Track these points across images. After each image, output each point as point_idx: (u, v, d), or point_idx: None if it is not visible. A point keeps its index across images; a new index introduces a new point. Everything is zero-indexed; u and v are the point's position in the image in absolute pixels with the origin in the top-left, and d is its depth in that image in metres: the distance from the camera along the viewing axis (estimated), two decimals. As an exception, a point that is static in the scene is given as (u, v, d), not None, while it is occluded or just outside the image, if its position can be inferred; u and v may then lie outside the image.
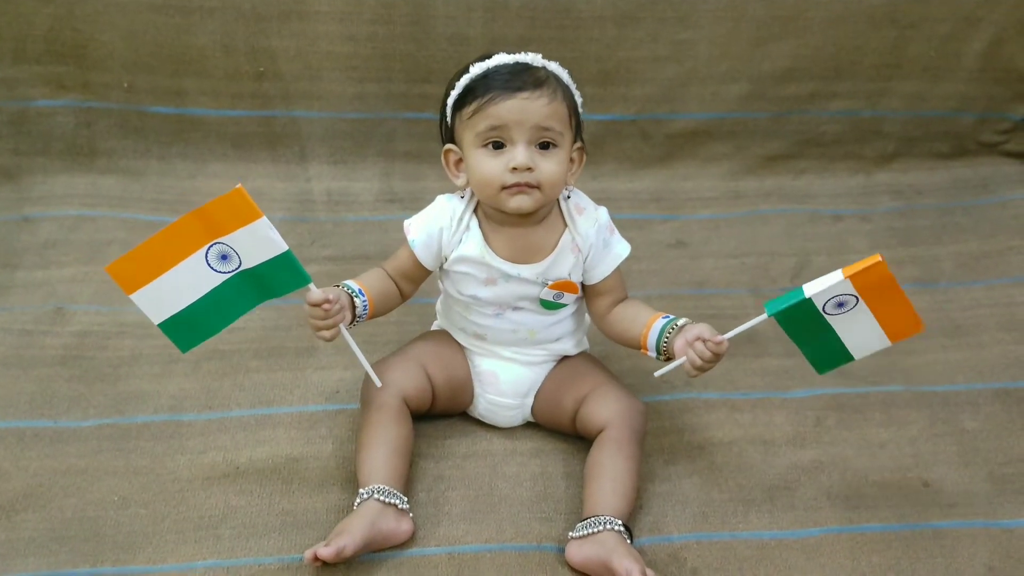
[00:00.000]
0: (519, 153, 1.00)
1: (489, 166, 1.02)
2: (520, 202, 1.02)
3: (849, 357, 1.03)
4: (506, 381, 1.14)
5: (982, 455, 1.18)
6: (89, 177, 1.62)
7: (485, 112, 1.00)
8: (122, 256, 0.94)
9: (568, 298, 1.11)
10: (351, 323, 1.05)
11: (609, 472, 1.04)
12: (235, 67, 1.60)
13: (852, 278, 0.95)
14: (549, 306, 1.11)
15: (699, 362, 1.00)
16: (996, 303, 1.47)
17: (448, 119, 1.08)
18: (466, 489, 1.09)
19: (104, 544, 1.01)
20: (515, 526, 1.05)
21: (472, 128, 1.02)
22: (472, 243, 1.08)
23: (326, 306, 0.99)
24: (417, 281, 1.14)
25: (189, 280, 0.96)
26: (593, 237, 1.09)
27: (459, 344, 1.17)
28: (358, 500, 1.00)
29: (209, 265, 0.96)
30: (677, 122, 1.70)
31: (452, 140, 1.08)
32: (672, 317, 1.06)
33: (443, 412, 1.18)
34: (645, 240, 1.59)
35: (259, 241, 0.95)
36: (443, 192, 1.65)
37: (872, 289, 0.96)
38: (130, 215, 1.57)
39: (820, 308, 0.98)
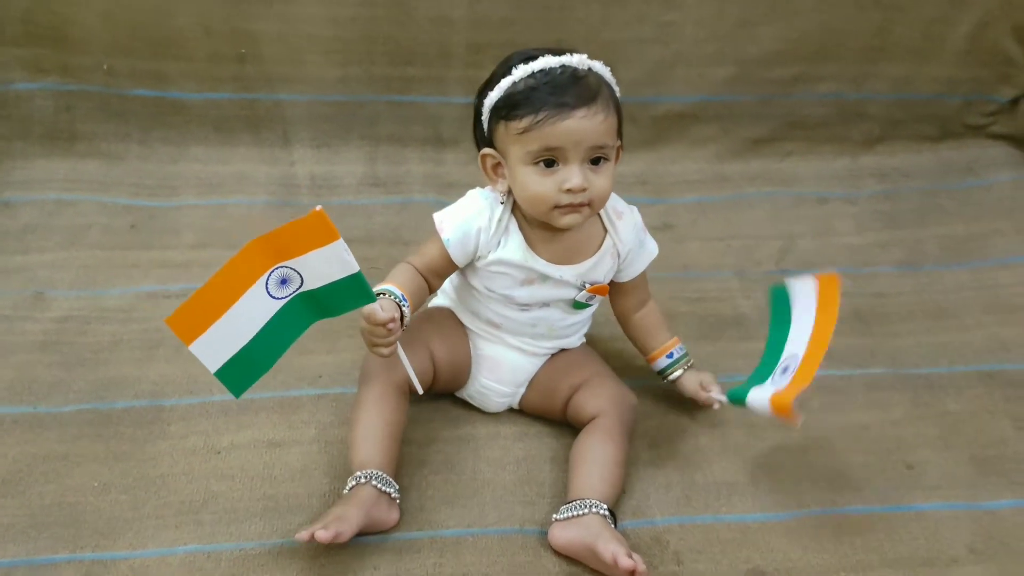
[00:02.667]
0: (574, 175, 0.97)
1: (542, 186, 0.98)
2: (572, 220, 1.00)
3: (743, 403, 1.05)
4: (507, 369, 1.14)
5: (964, 437, 1.18)
6: (69, 161, 1.60)
7: (540, 132, 0.95)
8: (183, 304, 0.87)
9: (598, 300, 1.11)
10: None
11: (598, 458, 1.04)
12: (216, 50, 1.58)
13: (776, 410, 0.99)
14: (580, 307, 1.11)
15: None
16: (980, 286, 1.48)
17: (485, 120, 1.02)
18: (449, 473, 1.09)
19: (83, 530, 1.00)
20: (498, 510, 1.04)
21: (523, 145, 0.97)
22: (513, 246, 1.05)
23: (391, 325, 0.95)
24: (445, 276, 1.11)
25: (248, 314, 0.89)
26: (633, 240, 1.09)
27: (463, 325, 1.16)
28: (352, 483, 0.99)
29: (268, 292, 0.89)
30: (663, 105, 1.69)
31: (488, 142, 1.03)
32: (672, 359, 1.16)
33: (440, 392, 1.17)
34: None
35: (329, 263, 0.89)
36: (426, 179, 1.66)
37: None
38: (111, 199, 1.56)
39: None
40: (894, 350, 1.33)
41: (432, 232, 1.07)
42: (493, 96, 1.00)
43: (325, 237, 0.88)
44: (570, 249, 1.07)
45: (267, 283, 0.89)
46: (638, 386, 1.19)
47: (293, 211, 1.57)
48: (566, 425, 1.14)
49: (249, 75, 1.61)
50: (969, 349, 1.33)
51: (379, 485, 0.99)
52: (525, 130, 0.96)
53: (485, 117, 1.02)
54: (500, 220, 1.05)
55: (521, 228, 1.06)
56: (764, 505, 1.06)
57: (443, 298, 1.19)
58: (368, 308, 0.95)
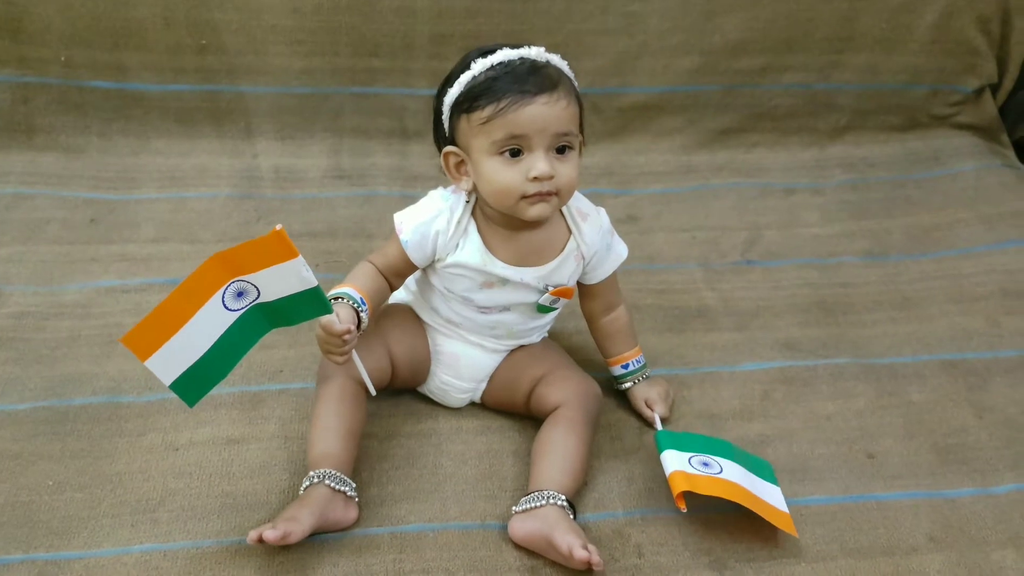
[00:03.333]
0: (540, 163, 0.96)
1: (508, 176, 0.97)
2: (540, 211, 0.99)
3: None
4: (466, 365, 1.13)
5: (927, 426, 1.18)
6: (27, 155, 1.58)
7: (504, 119, 0.94)
8: (139, 323, 0.86)
9: (563, 303, 1.10)
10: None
11: (559, 449, 1.04)
12: (176, 40, 1.56)
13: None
14: (544, 310, 1.10)
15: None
16: (944, 275, 1.48)
17: (446, 119, 1.01)
18: (410, 468, 1.08)
19: (37, 530, 0.98)
20: (459, 504, 1.04)
21: (487, 135, 0.96)
22: (471, 249, 1.04)
23: (347, 336, 0.95)
24: (405, 276, 1.10)
25: (203, 328, 0.89)
26: (599, 243, 1.08)
27: (422, 322, 1.15)
28: (307, 483, 0.98)
29: (224, 305, 0.89)
30: (628, 96, 1.69)
31: (451, 140, 1.02)
32: (626, 370, 1.17)
33: (399, 388, 1.16)
34: None
35: (287, 278, 0.89)
36: (391, 171, 1.65)
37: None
38: (70, 193, 1.53)
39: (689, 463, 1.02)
40: (859, 340, 1.33)
41: (393, 230, 1.06)
42: (453, 92, 0.99)
43: (284, 255, 0.87)
44: (531, 251, 1.06)
45: (223, 296, 0.89)
46: (602, 378, 1.19)
47: (255, 204, 1.55)
48: (529, 418, 1.13)
49: (211, 66, 1.59)
50: (932, 338, 1.34)
51: (333, 484, 0.97)
52: (488, 119, 0.95)
53: (446, 115, 1.01)
54: (459, 222, 1.04)
55: (480, 231, 1.05)
56: (726, 497, 1.06)
57: (403, 293, 1.18)
58: (326, 319, 0.95)
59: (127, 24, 1.54)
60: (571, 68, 1.01)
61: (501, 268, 1.04)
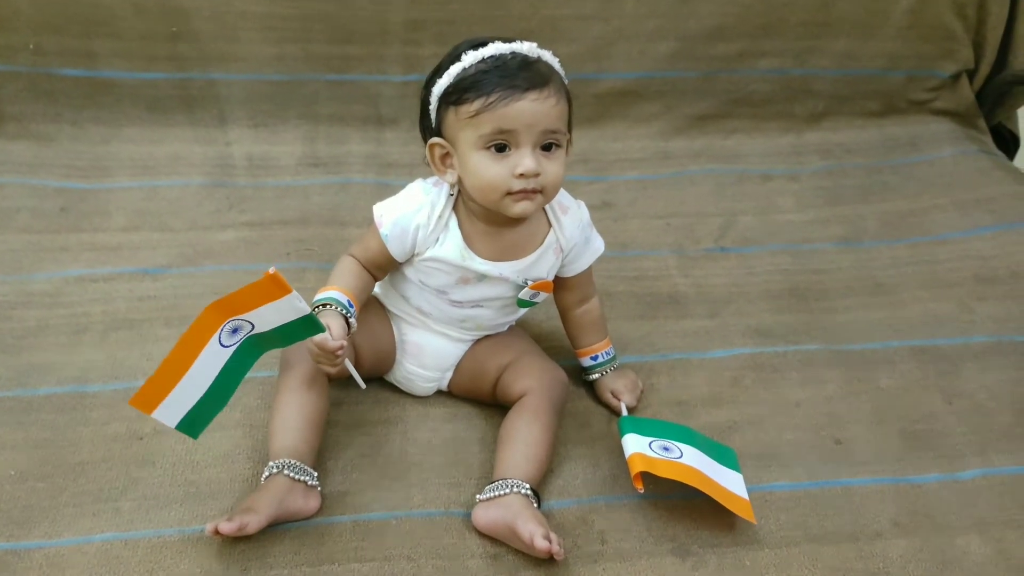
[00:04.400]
0: (527, 160, 0.95)
1: (493, 171, 0.96)
2: (524, 208, 0.98)
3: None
4: (431, 354, 1.12)
5: (895, 412, 1.18)
6: (-3, 143, 1.57)
7: (492, 113, 0.93)
8: (145, 383, 0.89)
9: (542, 296, 1.09)
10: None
11: (524, 437, 1.03)
12: (148, 27, 1.55)
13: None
14: (524, 304, 1.09)
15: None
16: (918, 261, 1.48)
17: (433, 110, 1.00)
18: (376, 456, 1.08)
19: (-3, 520, 0.98)
20: (424, 492, 1.03)
21: (474, 129, 0.95)
22: (450, 244, 1.03)
23: (339, 352, 0.97)
24: (387, 269, 1.09)
25: (202, 371, 0.92)
26: (578, 237, 1.07)
27: (385, 311, 1.15)
28: (267, 473, 0.98)
29: (220, 343, 0.91)
30: (604, 81, 1.68)
31: (437, 132, 1.00)
32: (595, 362, 1.16)
33: (363, 377, 1.15)
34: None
35: (281, 311, 0.90)
36: (367, 159, 1.63)
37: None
38: (40, 182, 1.52)
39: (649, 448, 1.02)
40: (830, 326, 1.33)
41: (373, 221, 1.05)
42: (442, 84, 0.98)
43: (279, 293, 0.88)
44: (511, 245, 1.05)
45: (220, 335, 0.91)
46: (571, 365, 1.18)
47: (228, 192, 1.54)
48: (497, 406, 1.13)
49: (183, 53, 1.58)
50: (904, 324, 1.34)
51: (292, 474, 0.97)
52: (476, 113, 0.94)
53: (433, 106, 1.00)
54: (440, 217, 1.03)
55: (461, 225, 1.04)
56: (691, 483, 1.06)
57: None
58: (319, 337, 0.96)
59: (97, 11, 1.52)
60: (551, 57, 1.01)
61: (479, 264, 1.04)
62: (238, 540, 0.95)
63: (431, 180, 1.06)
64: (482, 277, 1.05)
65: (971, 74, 1.81)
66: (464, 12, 1.59)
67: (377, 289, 1.16)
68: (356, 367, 1.10)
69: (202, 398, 0.94)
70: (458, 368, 1.14)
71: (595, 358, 1.16)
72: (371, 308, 1.14)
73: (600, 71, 1.67)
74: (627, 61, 1.67)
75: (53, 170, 1.54)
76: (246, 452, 1.07)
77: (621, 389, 1.15)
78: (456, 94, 0.96)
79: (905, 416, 1.18)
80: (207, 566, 0.93)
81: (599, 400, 1.17)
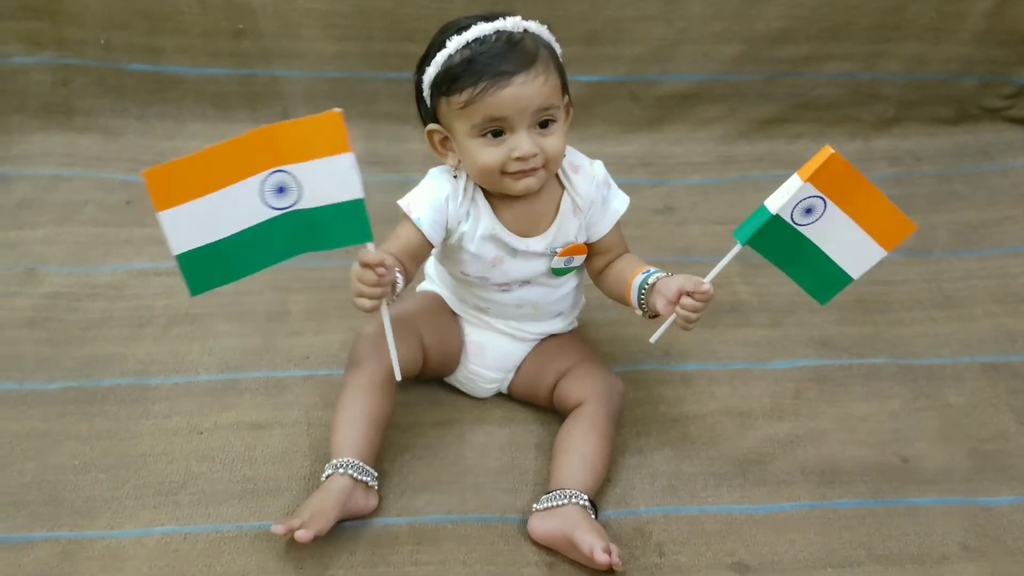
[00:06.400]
0: (523, 142, 0.95)
1: (490, 156, 0.96)
2: (528, 184, 0.98)
3: (846, 277, 0.96)
4: (493, 355, 1.12)
5: (964, 431, 1.15)
6: (67, 136, 1.60)
7: (482, 103, 0.93)
8: (164, 164, 0.78)
9: (578, 260, 1.07)
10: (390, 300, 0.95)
11: (580, 447, 1.02)
12: (212, 24, 1.57)
13: (812, 179, 0.89)
14: (560, 273, 1.07)
15: (689, 316, 0.97)
16: (989, 274, 1.43)
17: (427, 97, 0.99)
18: (432, 459, 1.07)
19: (62, 509, 0.99)
20: (479, 497, 1.03)
21: (467, 119, 0.95)
22: (484, 218, 1.02)
23: (380, 270, 0.88)
24: (420, 260, 1.06)
25: (232, 208, 0.81)
26: (593, 194, 1.05)
27: (452, 311, 1.14)
28: (328, 471, 0.98)
29: (262, 196, 0.82)
30: (667, 84, 1.66)
31: (433, 117, 1.00)
32: (648, 272, 1.02)
33: (429, 377, 1.15)
34: (632, 205, 1.50)
35: (333, 179, 0.81)
36: (426, 157, 1.61)
37: (838, 187, 0.90)
38: (107, 175, 1.55)
39: (789, 220, 0.92)
40: (896, 339, 1.30)
41: (401, 218, 1.04)
42: (431, 72, 0.97)
43: (336, 146, 0.80)
44: (533, 218, 1.04)
45: (263, 185, 0.82)
46: (630, 372, 1.17)
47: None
48: (553, 412, 1.12)
49: (246, 50, 1.59)
50: (974, 339, 1.30)
51: (354, 474, 0.97)
52: (466, 103, 0.94)
53: (427, 94, 0.99)
54: (466, 189, 1.02)
55: (488, 198, 1.03)
56: (751, 497, 1.04)
57: (431, 284, 1.17)
58: (363, 250, 0.88)
59: (163, 7, 1.55)
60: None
61: (509, 237, 1.03)
62: (295, 540, 0.95)
63: (444, 166, 1.05)
64: (515, 252, 1.04)
65: (1049, 82, 1.75)
66: (526, 12, 1.55)
67: (438, 290, 1.15)
68: (423, 366, 1.10)
69: (220, 244, 0.84)
70: (519, 371, 1.13)
71: (644, 273, 1.02)
72: (439, 307, 1.14)
73: (663, 73, 1.65)
74: (691, 63, 1.65)
75: (119, 164, 1.57)
76: (304, 451, 1.07)
77: (687, 284, 0.97)
78: (445, 84, 0.95)
79: (974, 435, 1.14)
80: (263, 563, 0.94)
81: (656, 406, 1.15)
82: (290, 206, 0.84)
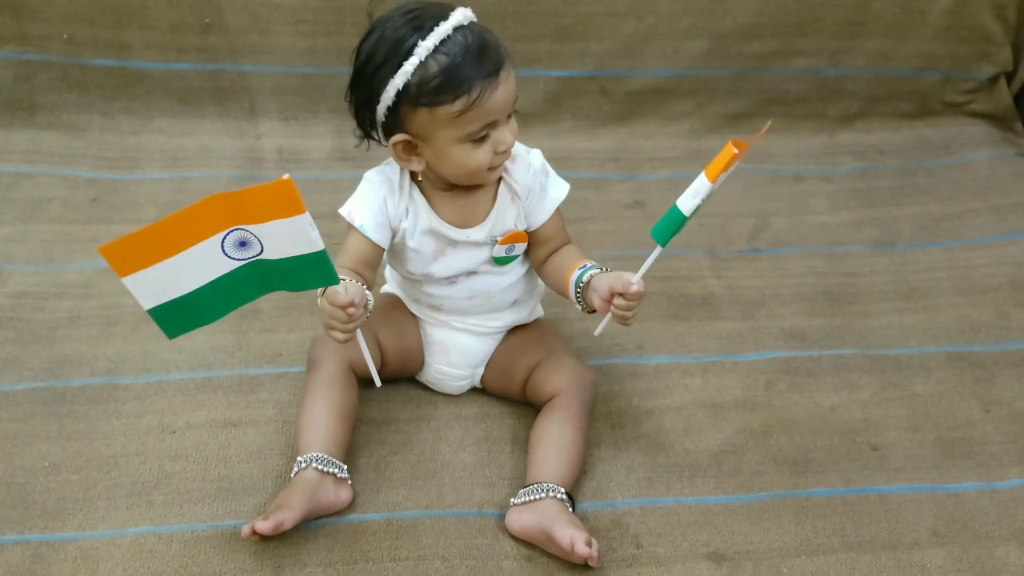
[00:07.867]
0: (507, 136, 0.96)
1: (479, 157, 0.95)
2: (499, 172, 1.00)
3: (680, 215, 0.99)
4: (457, 353, 1.12)
5: (932, 419, 1.17)
6: (29, 132, 1.57)
7: (479, 111, 0.91)
8: (121, 238, 0.80)
9: (519, 248, 1.07)
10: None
11: (556, 440, 1.02)
12: (179, 19, 1.55)
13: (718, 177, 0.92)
14: (503, 261, 1.07)
15: (624, 314, 0.97)
16: (953, 266, 1.46)
17: (387, 105, 0.93)
18: (408, 454, 1.07)
19: (32, 511, 0.98)
20: (456, 492, 1.03)
21: (459, 127, 0.93)
22: (422, 213, 1.02)
23: (351, 310, 0.89)
24: (375, 266, 1.05)
25: (196, 266, 0.84)
26: (530, 181, 1.04)
27: (411, 312, 1.14)
28: (296, 469, 0.98)
29: (224, 251, 0.84)
30: (637, 79, 1.67)
31: (398, 127, 0.95)
32: (584, 268, 1.02)
33: (391, 378, 1.14)
34: (602, 200, 1.56)
35: (292, 236, 0.83)
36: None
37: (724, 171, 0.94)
38: (72, 172, 1.52)
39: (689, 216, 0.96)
40: (864, 330, 1.31)
41: (346, 228, 1.03)
42: (397, 82, 0.91)
43: (290, 208, 0.82)
44: (471, 206, 1.04)
45: (223, 241, 0.84)
46: (604, 365, 1.18)
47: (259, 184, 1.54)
48: (528, 405, 1.12)
49: (214, 45, 1.58)
50: (940, 330, 1.32)
51: (319, 466, 0.97)
52: (462, 112, 0.92)
53: (387, 104, 0.93)
54: (402, 187, 1.02)
55: (424, 192, 1.03)
56: (726, 488, 1.05)
57: (391, 285, 1.17)
58: (331, 289, 0.90)
59: (129, 2, 1.52)
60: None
61: (447, 229, 1.03)
62: (272, 537, 0.94)
63: (378, 168, 1.04)
64: (455, 244, 1.04)
65: (1009, 76, 1.78)
66: (495, 7, 1.57)
67: (401, 294, 1.15)
68: (382, 367, 1.09)
69: (190, 296, 0.86)
70: (489, 365, 1.13)
71: (580, 269, 1.02)
72: (397, 308, 1.14)
73: (632, 68, 1.66)
74: (660, 59, 1.66)
75: (84, 161, 1.55)
76: (279, 448, 1.06)
77: (616, 284, 0.97)
78: (428, 96, 0.91)
79: (942, 423, 1.16)
80: (241, 562, 0.93)
81: (631, 398, 1.16)
82: (253, 256, 0.86)
